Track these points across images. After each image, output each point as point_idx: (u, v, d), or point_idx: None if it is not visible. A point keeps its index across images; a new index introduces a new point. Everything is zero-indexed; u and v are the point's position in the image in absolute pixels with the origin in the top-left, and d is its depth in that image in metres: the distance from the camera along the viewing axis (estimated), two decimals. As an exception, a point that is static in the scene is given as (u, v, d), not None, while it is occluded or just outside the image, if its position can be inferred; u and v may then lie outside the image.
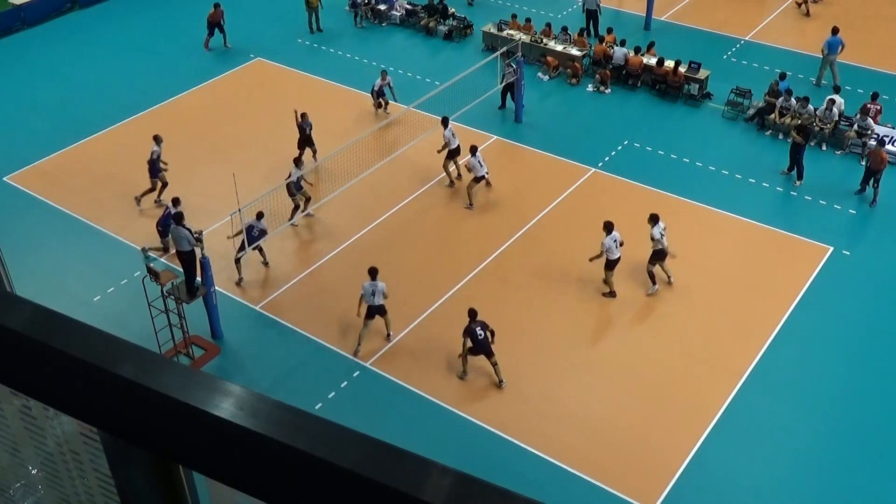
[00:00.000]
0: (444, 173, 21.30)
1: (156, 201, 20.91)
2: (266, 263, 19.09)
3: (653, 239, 17.69)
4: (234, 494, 1.60)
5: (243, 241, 17.90)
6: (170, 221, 17.87)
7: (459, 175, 21.30)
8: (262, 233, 18.30)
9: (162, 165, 20.71)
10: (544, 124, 24.08)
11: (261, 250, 18.92)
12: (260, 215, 18.14)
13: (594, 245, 19.55)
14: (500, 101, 24.29)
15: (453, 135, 20.92)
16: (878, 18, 28.56)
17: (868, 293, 18.12)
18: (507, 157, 22.81)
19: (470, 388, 16.23)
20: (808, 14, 29.17)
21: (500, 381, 16.07)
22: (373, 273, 16.50)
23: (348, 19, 29.90)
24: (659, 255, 17.85)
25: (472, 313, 16.04)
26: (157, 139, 20.65)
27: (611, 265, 17.69)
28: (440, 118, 21.10)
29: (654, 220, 17.82)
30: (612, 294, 17.91)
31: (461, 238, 19.95)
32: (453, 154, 21.01)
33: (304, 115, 21.81)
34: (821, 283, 18.34)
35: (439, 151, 21.03)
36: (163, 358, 1.74)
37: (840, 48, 24.56)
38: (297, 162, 20.32)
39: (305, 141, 21.84)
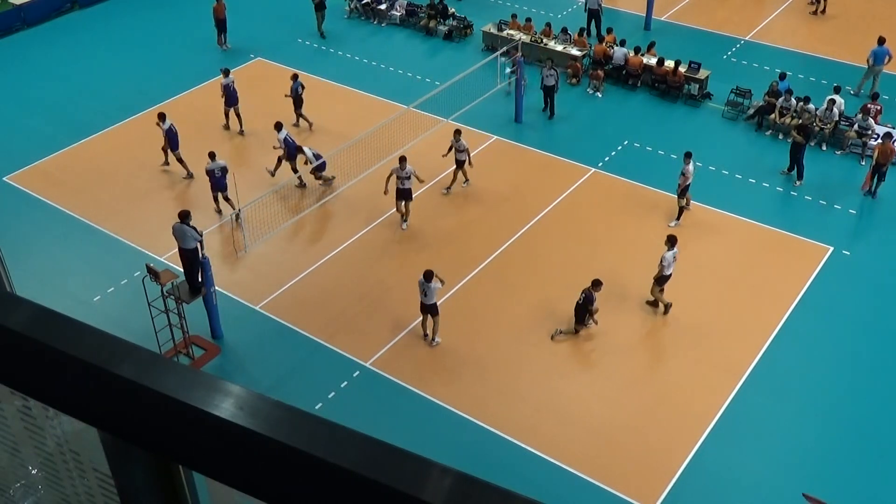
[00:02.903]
0: (456, 179, 21.29)
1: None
2: (237, 216, 19.45)
3: (663, 263, 17.06)
4: (234, 494, 1.60)
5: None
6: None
7: (461, 182, 21.38)
8: (224, 170, 19.81)
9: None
10: (544, 124, 24.09)
11: (228, 200, 20.03)
12: (212, 155, 19.94)
13: (594, 245, 19.57)
14: (542, 104, 24.35)
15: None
16: (878, 18, 28.54)
17: (868, 293, 18.12)
18: (507, 157, 22.81)
19: (469, 389, 16.23)
20: (824, 11, 29.03)
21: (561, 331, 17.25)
22: (427, 275, 16.37)
23: (349, 20, 29.91)
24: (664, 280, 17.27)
25: (595, 284, 16.73)
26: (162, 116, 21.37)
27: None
28: (455, 130, 21.02)
29: (671, 242, 17.08)
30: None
31: (461, 238, 19.95)
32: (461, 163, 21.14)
33: (294, 76, 23.45)
34: (821, 283, 18.34)
35: (444, 156, 21.09)
36: (163, 358, 1.74)
37: (887, 59, 24.22)
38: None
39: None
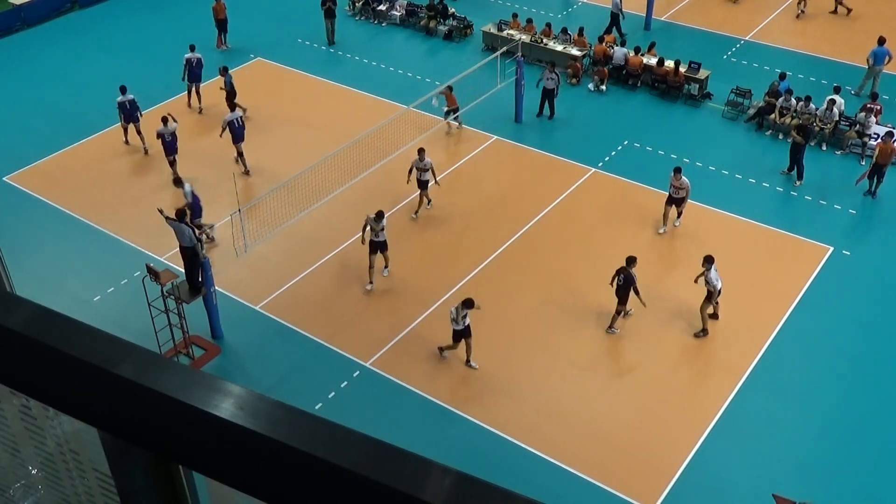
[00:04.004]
0: (422, 201, 20.64)
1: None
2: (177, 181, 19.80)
3: (707, 282, 16.80)
4: (234, 494, 1.60)
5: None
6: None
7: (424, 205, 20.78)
8: (174, 135, 20.90)
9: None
10: (544, 124, 24.08)
11: (174, 163, 21.04)
12: (165, 120, 20.88)
13: (594, 245, 19.58)
14: (537, 109, 24.03)
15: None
16: (878, 18, 28.54)
17: (868, 293, 18.12)
18: (507, 157, 22.81)
19: (469, 388, 16.23)
20: (849, 12, 28.89)
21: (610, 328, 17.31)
22: (467, 303, 15.98)
23: (349, 20, 29.90)
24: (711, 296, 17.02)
25: (629, 260, 16.72)
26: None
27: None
28: (418, 149, 20.24)
29: (709, 261, 16.73)
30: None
31: (461, 238, 19.96)
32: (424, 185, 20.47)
33: (224, 69, 23.87)
34: (821, 283, 18.34)
35: (409, 181, 20.34)
36: (163, 358, 1.74)
37: (887, 59, 24.16)
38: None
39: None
